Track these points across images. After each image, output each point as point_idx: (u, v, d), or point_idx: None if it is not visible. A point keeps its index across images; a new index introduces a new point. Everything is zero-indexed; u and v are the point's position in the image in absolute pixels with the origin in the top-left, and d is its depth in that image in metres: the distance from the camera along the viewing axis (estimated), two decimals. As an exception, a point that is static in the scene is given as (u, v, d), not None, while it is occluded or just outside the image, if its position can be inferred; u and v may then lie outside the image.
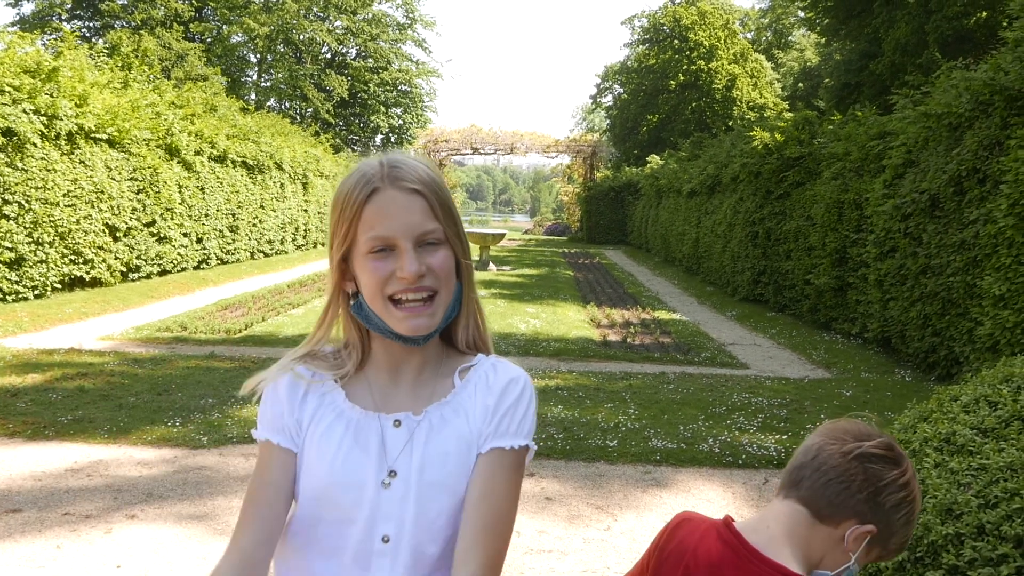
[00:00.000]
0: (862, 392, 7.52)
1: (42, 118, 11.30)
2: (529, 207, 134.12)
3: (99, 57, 16.38)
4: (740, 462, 5.35)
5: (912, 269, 8.50)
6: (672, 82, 45.76)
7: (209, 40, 42.96)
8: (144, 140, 14.38)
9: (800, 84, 45.60)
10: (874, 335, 9.69)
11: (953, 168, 7.84)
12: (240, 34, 44.22)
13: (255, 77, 47.83)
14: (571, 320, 12.08)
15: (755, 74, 46.49)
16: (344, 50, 48.51)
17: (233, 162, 18.51)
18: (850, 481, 1.28)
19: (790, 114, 23.75)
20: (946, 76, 8.97)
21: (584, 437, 5.79)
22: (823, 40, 28.79)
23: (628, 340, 10.48)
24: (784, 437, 5.89)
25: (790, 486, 1.34)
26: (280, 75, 45.34)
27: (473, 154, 40.07)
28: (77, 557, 3.77)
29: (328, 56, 48.03)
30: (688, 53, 46.19)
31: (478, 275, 18.91)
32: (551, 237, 43.33)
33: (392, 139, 50.15)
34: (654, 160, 32.41)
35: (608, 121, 53.58)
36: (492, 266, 20.82)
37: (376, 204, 1.28)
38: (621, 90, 50.44)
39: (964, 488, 1.61)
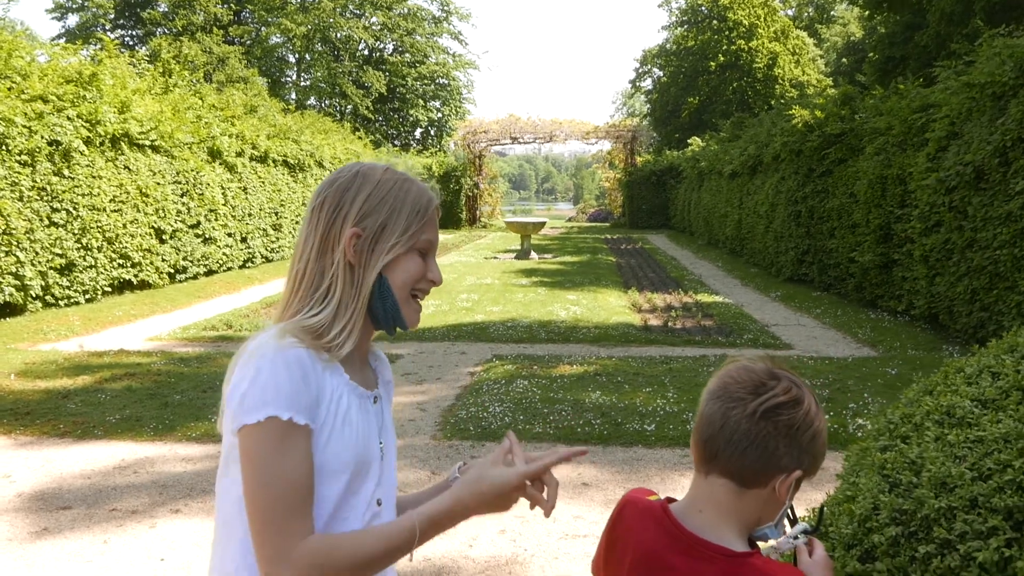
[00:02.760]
0: (908, 370, 7.38)
1: (85, 124, 11.57)
2: (572, 194, 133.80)
3: (141, 64, 16.70)
4: (780, 444, 5.29)
5: (958, 243, 8.30)
6: (712, 63, 45.23)
7: (248, 42, 43.52)
8: (186, 143, 14.63)
9: (844, 59, 44.69)
10: (921, 312, 9.49)
11: (998, 139, 7.63)
12: (278, 35, 44.73)
13: (294, 77, 48.35)
14: (612, 306, 12.03)
15: (797, 51, 45.72)
16: (381, 46, 48.79)
17: (274, 162, 18.76)
18: (766, 443, 1.24)
19: (833, 90, 23.33)
20: (988, 44, 8.73)
21: (622, 422, 5.77)
22: (866, 13, 28.18)
23: (669, 324, 10.41)
24: (827, 417, 5.80)
25: (707, 460, 1.30)
26: (319, 74, 45.78)
27: (512, 144, 40.00)
28: (123, 551, 3.88)
29: (365, 53, 48.35)
30: (727, 33, 45.60)
31: (520, 264, 18.94)
32: (594, 224, 43.16)
33: (431, 132, 50.38)
34: (695, 142, 32.08)
35: (648, 105, 53.15)
36: (534, 255, 20.81)
37: (434, 213, 1.48)
38: (660, 73, 50.02)
39: (959, 461, 1.58)
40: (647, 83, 53.77)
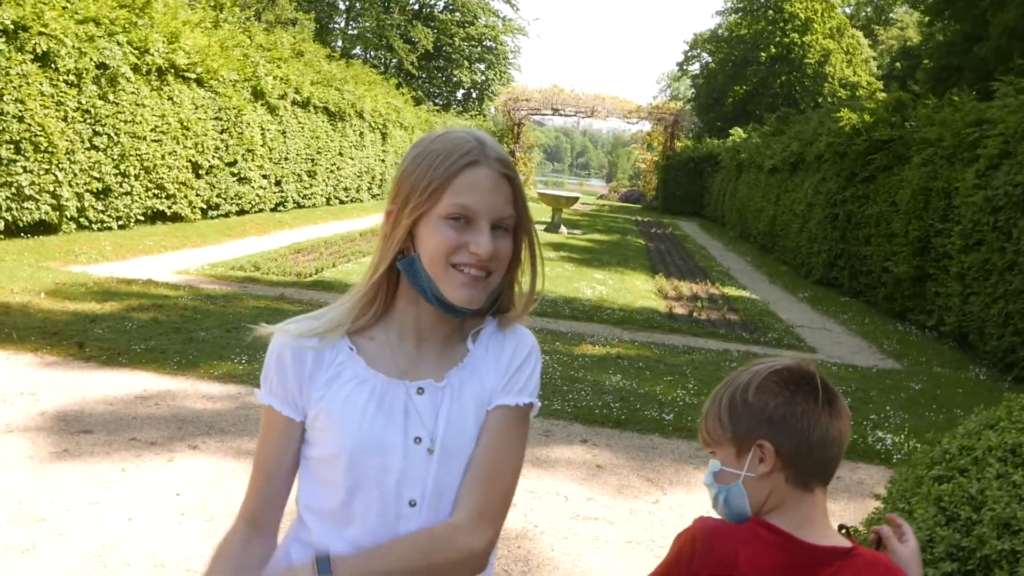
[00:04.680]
0: (932, 387, 7.30)
1: (134, 51, 11.58)
2: (606, 172, 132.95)
3: (193, -4, 16.66)
4: (797, 448, 5.26)
5: (998, 264, 8.16)
6: (763, 54, 44.56)
7: (300, -16, 43.28)
8: (231, 81, 14.63)
9: (897, 63, 43.87)
10: (951, 329, 9.38)
11: (1053, 162, 7.47)
12: (331, -21, 44.51)
13: (343, 24, 48.16)
14: (638, 289, 11.98)
15: (850, 50, 44.95)
16: (432, 2, 48.44)
17: (315, 108, 18.73)
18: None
19: (883, 94, 22.92)
20: (1055, 64, 8.51)
21: (640, 408, 5.76)
22: (926, 19, 27.59)
23: (694, 314, 10.35)
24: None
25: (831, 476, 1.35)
26: (367, 23, 45.58)
27: (553, 115, 39.75)
28: (140, 481, 3.92)
29: (415, 7, 48.05)
30: (782, 24, 44.87)
31: (550, 237, 18.88)
32: (625, 204, 42.88)
33: (473, 95, 50.13)
34: (737, 133, 31.71)
35: (693, 90, 52.57)
36: (564, 229, 20.73)
37: (471, 176, 1.31)
38: (709, 59, 49.38)
39: (1025, 504, 1.55)
40: (695, 67, 53.10)
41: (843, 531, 1.35)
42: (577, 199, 22.94)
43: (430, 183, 1.31)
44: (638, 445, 5.11)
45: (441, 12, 48.29)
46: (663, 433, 5.35)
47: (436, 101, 47.22)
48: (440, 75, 49.09)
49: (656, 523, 4.03)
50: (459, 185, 1.30)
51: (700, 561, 1.26)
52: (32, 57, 9.71)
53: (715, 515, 1.37)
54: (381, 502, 1.33)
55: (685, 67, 54.54)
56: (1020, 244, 7.82)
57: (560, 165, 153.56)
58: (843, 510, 4.37)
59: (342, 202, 21.22)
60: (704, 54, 50.74)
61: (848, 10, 51.42)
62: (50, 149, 9.96)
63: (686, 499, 4.35)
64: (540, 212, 26.31)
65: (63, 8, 10.44)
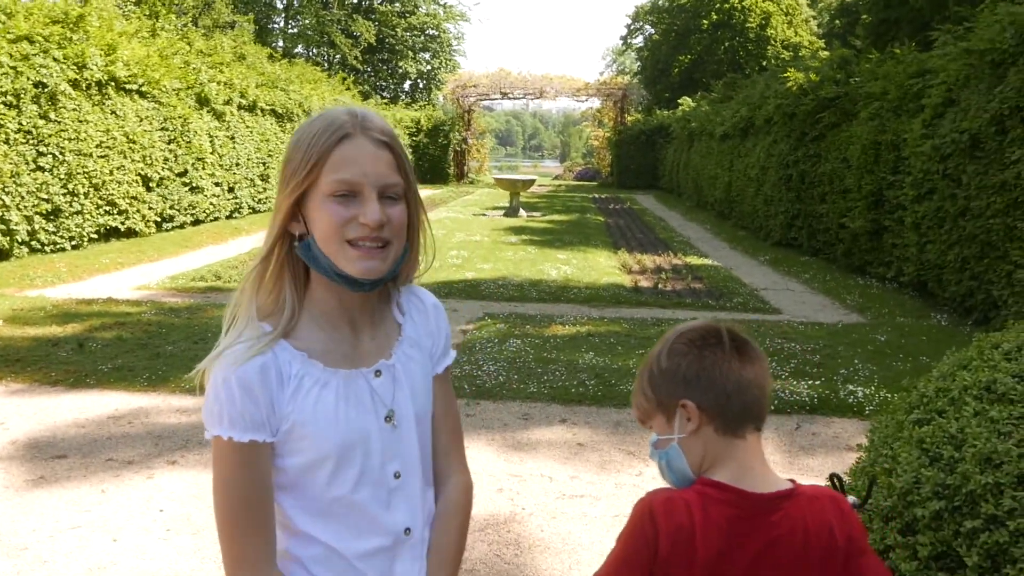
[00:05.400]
0: (897, 337, 7.45)
1: (72, 67, 11.34)
2: (559, 152, 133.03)
3: (127, 6, 16.34)
4: (772, 407, 5.34)
5: (951, 211, 8.33)
6: (704, 21, 44.79)
7: (235, -14, 42.63)
8: (174, 90, 14.39)
9: (837, 21, 44.37)
10: (910, 279, 9.56)
11: (995, 107, 7.62)
12: (266, -20, 43.88)
13: (282, 24, 47.52)
14: (602, 266, 12.04)
15: (790, 12, 45.34)
16: (371, -6, 47.97)
17: (262, 111, 18.50)
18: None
19: (826, 53, 23.18)
20: (990, 10, 8.67)
21: (616, 383, 5.80)
22: (861, -25, 27.93)
23: (659, 286, 10.43)
24: (817, 383, 5.86)
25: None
26: (307, 21, 45.02)
27: (502, 99, 39.66)
28: (121, 501, 3.88)
29: (355, 1, 47.53)
30: (721, -9, 45.06)
31: (509, 222, 18.87)
32: (581, 182, 42.98)
33: (420, 84, 49.81)
34: (686, 103, 31.88)
35: (639, 63, 52.73)
36: (522, 212, 20.73)
37: (346, 149, 1.31)
38: (652, 31, 49.52)
39: (1004, 437, 1.59)
40: (638, 40, 53.24)
41: (835, 480, 1.38)
42: (533, 182, 22.94)
43: (307, 162, 1.31)
44: (617, 420, 5.15)
45: (381, 4, 47.85)
46: (640, 405, 5.39)
47: (383, 95, 46.86)
48: (385, 68, 48.70)
49: (639, 493, 4.06)
50: (336, 161, 1.30)
51: (660, 532, 1.29)
52: (-34, 81, 9.46)
53: (664, 485, 1.43)
54: (372, 484, 1.38)
55: (629, 40, 54.67)
56: (970, 190, 7.99)
57: (513, 149, 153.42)
58: (821, 464, 4.45)
59: (298, 203, 20.94)
60: (647, 26, 50.87)
61: (784, -28, 51.80)
62: (-6, 174, 9.73)
63: (669, 468, 4.40)
64: (497, 197, 26.30)
65: (-6, 28, 10.19)
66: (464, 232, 16.21)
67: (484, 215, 20.65)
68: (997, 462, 1.57)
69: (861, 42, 25.83)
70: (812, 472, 4.36)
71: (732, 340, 1.38)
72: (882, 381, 5.92)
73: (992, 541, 1.49)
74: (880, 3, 25.37)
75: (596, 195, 31.23)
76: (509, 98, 39.34)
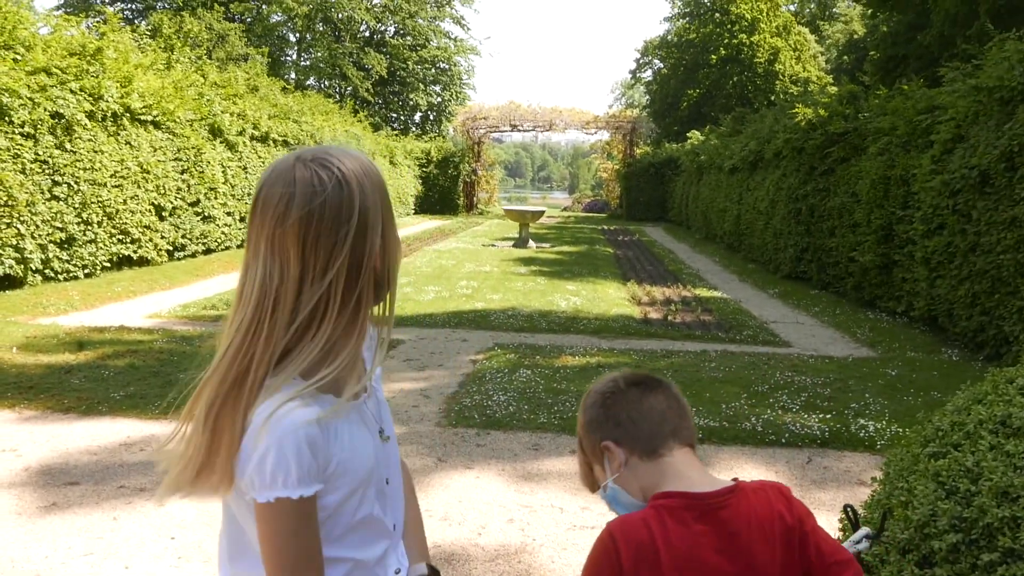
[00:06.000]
0: (908, 371, 7.43)
1: (88, 98, 11.50)
2: (568, 184, 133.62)
3: (142, 39, 16.59)
4: (783, 441, 5.33)
5: (961, 247, 8.34)
6: (713, 56, 45.18)
7: (249, 20, 43.25)
8: (188, 121, 14.57)
9: (845, 57, 44.72)
10: (920, 314, 9.54)
11: (1005, 143, 7.66)
12: (279, 13, 44.46)
13: (295, 56, 48.08)
14: (611, 298, 12.06)
15: (798, 47, 45.72)
16: (382, 28, 48.58)
17: (275, 141, 18.69)
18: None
19: (834, 88, 23.33)
20: (999, 48, 8.74)
21: (626, 415, 5.78)
22: (869, 11, 28.16)
23: (669, 318, 10.44)
24: (828, 416, 5.85)
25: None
26: (319, 54, 45.55)
27: (512, 131, 39.94)
28: (134, 528, 3.88)
29: (367, 34, 48.11)
30: (729, 26, 45.54)
31: (519, 252, 18.94)
32: (590, 214, 43.14)
33: (431, 117, 50.20)
34: (695, 136, 32.10)
35: (648, 97, 53.10)
36: (532, 243, 20.81)
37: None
38: (661, 65, 49.95)
39: (1021, 471, 1.60)
40: (647, 74, 53.69)
41: (850, 511, 1.40)
42: (542, 213, 23.05)
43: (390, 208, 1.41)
44: (627, 451, 5.13)
45: (392, 38, 48.42)
46: (650, 438, 5.38)
47: (394, 126, 47.27)
48: (396, 100, 49.17)
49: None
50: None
51: (622, 552, 1.36)
52: (-15, 111, 9.61)
53: None
54: (379, 496, 1.43)
55: (638, 74, 55.14)
56: (980, 226, 8.00)
57: (522, 180, 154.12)
58: (833, 498, 4.44)
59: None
60: (656, 60, 51.33)
61: (792, 7, 52.32)
62: (10, 203, 9.85)
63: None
64: (507, 228, 26.41)
65: (14, 60, 10.35)
66: (474, 263, 16.27)
67: (493, 246, 20.73)
68: (1014, 496, 1.58)
69: (869, 78, 25.98)
70: (824, 506, 4.34)
71: (627, 381, 1.54)
72: (893, 415, 5.90)
73: (1010, 574, 1.50)
74: (888, 40, 25.58)
75: (605, 227, 31.32)
76: (519, 130, 39.62)
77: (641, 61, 53.37)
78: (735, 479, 1.45)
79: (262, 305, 1.30)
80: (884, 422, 5.71)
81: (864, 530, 1.38)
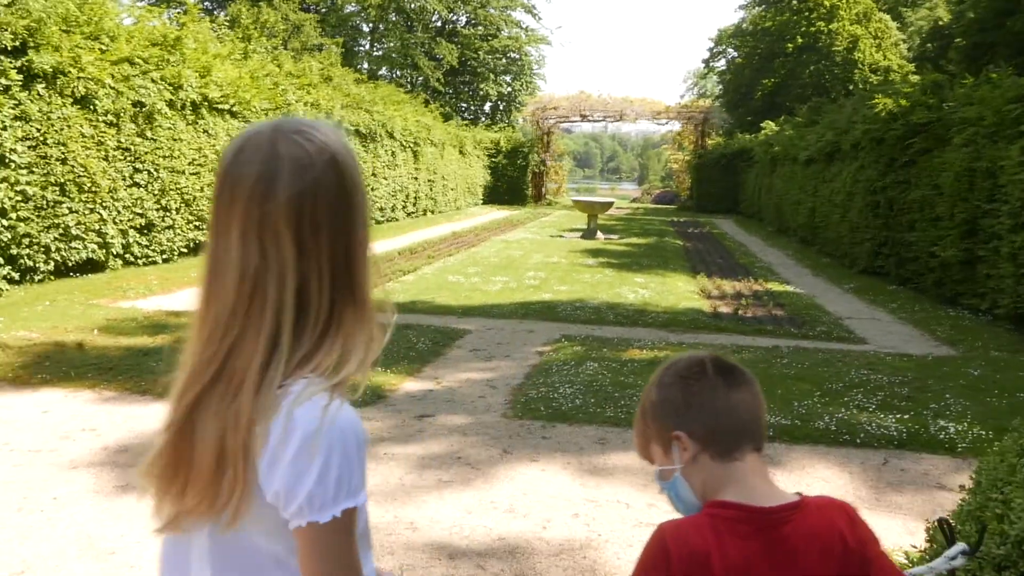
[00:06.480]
0: (991, 371, 7.13)
1: (168, 88, 11.80)
2: (637, 175, 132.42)
3: (221, 29, 16.95)
4: (858, 441, 5.16)
5: (1051, 242, 7.97)
6: (789, 45, 44.09)
7: (324, 11, 43.86)
8: (263, 110, 14.84)
9: (928, 44, 43.17)
10: (1006, 311, 9.16)
11: (1102, 134, 7.28)
12: (353, 4, 45.00)
13: (367, 47, 48.63)
14: (680, 291, 11.89)
15: (879, 35, 44.32)
16: (454, 18, 48.76)
17: (347, 131, 18.89)
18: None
19: (916, 77, 22.56)
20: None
21: (694, 410, 5.68)
22: (955, -3, 27.16)
23: (739, 312, 10.24)
24: (906, 416, 5.65)
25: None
26: (391, 44, 45.97)
27: (582, 121, 39.77)
28: (204, 510, 3.96)
29: (438, 24, 48.36)
30: (807, 14, 44.38)
31: (586, 244, 18.84)
32: (659, 206, 42.65)
33: (501, 107, 50.28)
34: (768, 126, 31.39)
35: (721, 86, 52.21)
36: (600, 235, 20.65)
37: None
38: (735, 54, 49.00)
39: None
40: (721, 63, 52.74)
41: (945, 526, 1.32)
42: (611, 204, 22.89)
43: (365, 201, 1.23)
44: (695, 448, 5.04)
45: (464, 27, 48.55)
46: (719, 434, 5.28)
47: (464, 116, 47.44)
48: (467, 89, 49.32)
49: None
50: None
51: (673, 558, 1.30)
52: (72, 100, 9.93)
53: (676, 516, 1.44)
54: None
55: (711, 64, 54.21)
56: (1073, 220, 7.63)
57: (591, 171, 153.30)
58: (910, 502, 4.28)
59: (378, 222, 21.38)
60: (730, 49, 50.38)
61: (874, -6, 50.71)
62: (93, 189, 10.17)
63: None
64: (574, 219, 26.28)
65: (101, 51, 10.67)
66: (541, 253, 16.23)
67: (561, 236, 20.65)
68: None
69: (955, 66, 25.04)
70: (901, 510, 4.19)
71: (716, 367, 1.43)
72: (976, 417, 5.67)
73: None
74: (975, 26, 24.61)
75: (675, 219, 30.93)
76: (588, 120, 39.41)
77: (715, 50, 52.41)
78: (799, 494, 1.38)
79: (244, 294, 1.13)
80: (966, 424, 5.49)
81: (960, 546, 1.29)
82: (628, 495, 4.30)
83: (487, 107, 51.01)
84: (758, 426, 1.41)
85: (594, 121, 39.76)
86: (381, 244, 17.14)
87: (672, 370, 1.46)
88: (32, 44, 9.26)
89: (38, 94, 9.36)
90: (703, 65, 55.80)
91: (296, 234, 1.12)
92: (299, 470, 1.07)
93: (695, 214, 33.91)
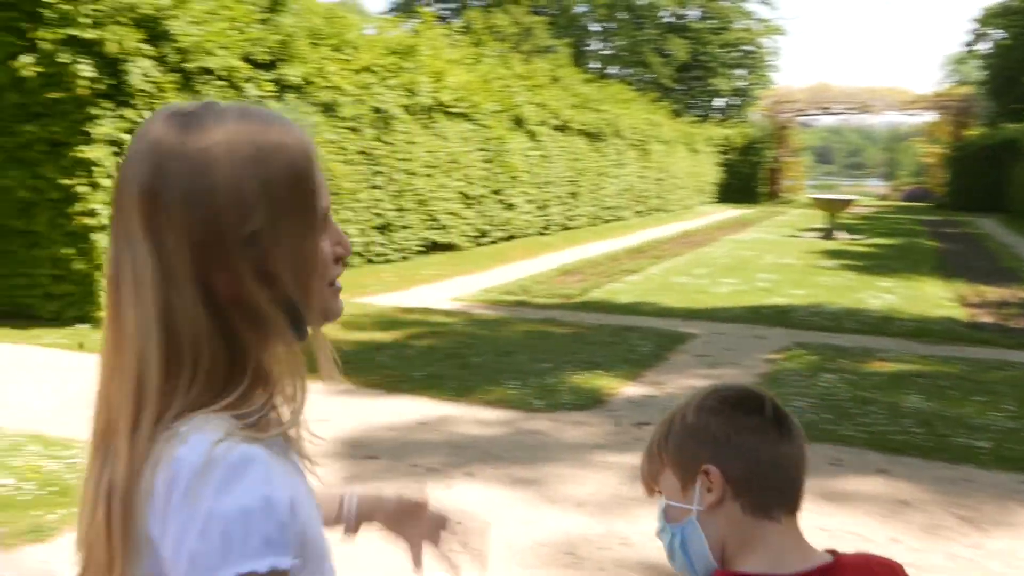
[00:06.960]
0: None
1: (404, 93, 12.38)
2: (884, 170, 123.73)
3: (454, 36, 17.60)
4: None
5: None
6: (1068, 21, 39.25)
7: (554, 12, 44.58)
8: (492, 112, 15.21)
9: None
10: None
11: None
12: (583, 4, 45.38)
13: (597, 46, 48.88)
14: (931, 297, 10.82)
15: None
16: (685, 12, 47.85)
17: (574, 130, 19.03)
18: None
19: None
20: None
21: (947, 434, 5.07)
22: None
23: (1004, 323, 9.13)
24: None
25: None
26: (621, 42, 45.90)
27: (821, 114, 37.64)
28: (420, 509, 4.00)
29: (668, 20, 47.68)
30: (1091, -14, 39.33)
31: (825, 244, 17.76)
32: (910, 203, 39.45)
33: (734, 102, 48.75)
34: (1041, 114, 28.10)
35: (987, 71, 47.49)
36: (841, 235, 19.35)
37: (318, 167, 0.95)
38: (1003, 34, 44.33)
39: None
40: (984, 46, 47.95)
41: None
42: (852, 202, 21.43)
43: (311, 196, 0.93)
44: (948, 478, 4.48)
45: (695, 22, 47.53)
46: (978, 463, 4.66)
47: (696, 112, 46.43)
48: (698, 85, 48.25)
49: (980, 572, 3.46)
50: (320, 183, 0.95)
51: None
52: (318, 108, 10.64)
53: None
54: None
55: (973, 46, 49.44)
56: None
57: (831, 167, 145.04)
58: None
59: (605, 221, 21.35)
60: (996, 30, 45.66)
61: None
62: (337, 191, 10.84)
63: (1014, 544, 3.72)
64: (811, 218, 24.86)
65: (346, 61, 11.36)
66: (774, 254, 15.44)
67: (797, 236, 19.57)
68: None
69: None
70: None
71: (774, 409, 1.19)
72: None
73: None
74: None
75: (927, 217, 28.46)
76: (829, 113, 37.23)
77: (978, 31, 47.75)
78: (832, 551, 1.18)
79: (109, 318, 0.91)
80: None
81: None
82: (867, 526, 3.87)
83: (719, 103, 49.66)
84: (801, 487, 1.21)
85: (835, 114, 37.51)
86: (607, 244, 17.06)
87: (718, 395, 1.22)
88: (284, 57, 10.00)
89: (289, 103, 10.09)
90: (964, 48, 51.04)
91: (152, 236, 0.87)
92: (181, 522, 0.81)
93: (951, 212, 31.02)
